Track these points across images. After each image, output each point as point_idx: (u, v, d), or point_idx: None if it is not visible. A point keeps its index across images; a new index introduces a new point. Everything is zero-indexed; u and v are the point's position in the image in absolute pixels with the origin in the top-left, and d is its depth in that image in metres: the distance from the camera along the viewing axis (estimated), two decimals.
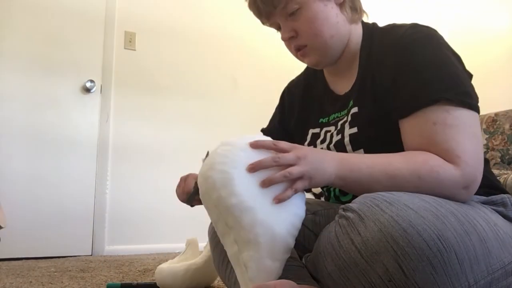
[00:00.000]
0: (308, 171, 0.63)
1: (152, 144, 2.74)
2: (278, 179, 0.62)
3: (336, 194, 0.90)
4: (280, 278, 0.64)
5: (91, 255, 2.47)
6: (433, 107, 0.68)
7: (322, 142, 0.87)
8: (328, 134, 0.87)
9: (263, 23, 0.87)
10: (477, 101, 0.71)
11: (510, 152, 2.11)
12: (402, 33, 0.76)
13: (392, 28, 0.81)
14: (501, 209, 0.72)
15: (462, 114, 0.68)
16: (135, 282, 1.44)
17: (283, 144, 0.66)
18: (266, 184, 0.62)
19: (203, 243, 1.52)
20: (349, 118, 0.82)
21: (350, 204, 0.60)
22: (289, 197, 0.63)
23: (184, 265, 1.30)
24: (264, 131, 1.09)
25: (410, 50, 0.73)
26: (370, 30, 0.86)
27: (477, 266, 0.57)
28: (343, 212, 0.60)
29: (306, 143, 0.92)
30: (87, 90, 2.59)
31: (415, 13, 3.35)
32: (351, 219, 0.57)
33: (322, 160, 0.66)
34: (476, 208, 0.66)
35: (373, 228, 0.54)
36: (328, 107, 0.91)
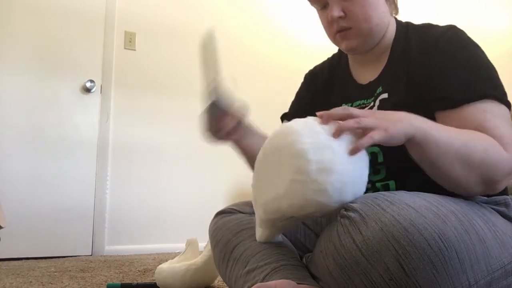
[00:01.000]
0: (380, 122, 0.59)
1: (152, 144, 2.74)
2: (350, 125, 0.58)
3: None
4: (280, 278, 0.65)
5: (91, 255, 2.47)
6: (483, 101, 0.72)
7: None
8: None
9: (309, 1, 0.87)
10: None
11: None
12: (444, 30, 0.79)
13: (431, 26, 0.84)
14: (503, 209, 0.72)
15: (505, 110, 0.73)
16: (135, 282, 1.44)
17: (355, 110, 0.62)
18: (337, 132, 0.59)
19: (203, 243, 1.52)
20: (378, 103, 0.83)
21: (351, 204, 0.60)
22: (364, 145, 0.58)
23: (184, 265, 1.29)
24: (286, 115, 1.08)
25: (459, 45, 0.77)
26: (404, 26, 0.89)
27: (477, 265, 0.57)
28: (344, 212, 0.60)
29: None
30: (87, 90, 2.59)
31: (414, 13, 3.36)
32: (352, 219, 0.57)
33: (393, 113, 0.63)
34: (475, 208, 0.66)
35: (374, 227, 0.55)
36: (350, 94, 0.92)
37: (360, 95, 0.90)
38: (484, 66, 0.76)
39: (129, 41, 2.78)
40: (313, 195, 0.58)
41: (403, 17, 0.93)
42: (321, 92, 1.00)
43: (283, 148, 0.62)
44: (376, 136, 0.58)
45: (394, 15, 0.89)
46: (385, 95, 0.83)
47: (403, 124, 0.61)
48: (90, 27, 2.67)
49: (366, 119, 0.59)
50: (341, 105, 0.92)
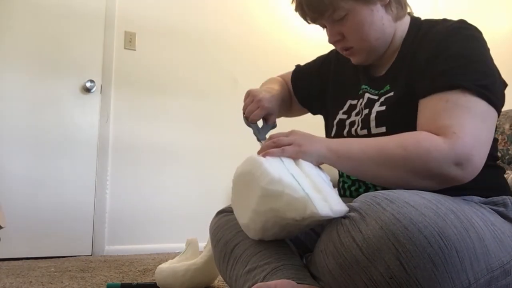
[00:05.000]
0: (296, 139, 0.73)
1: (152, 144, 2.74)
2: (268, 146, 0.73)
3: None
4: (280, 278, 0.65)
5: (91, 255, 2.46)
6: (451, 91, 0.70)
7: (357, 114, 0.89)
8: (361, 107, 0.89)
9: (308, 23, 0.90)
10: (500, 101, 0.73)
11: (510, 152, 2.11)
12: (449, 24, 0.78)
13: (443, 20, 0.83)
14: (501, 209, 0.72)
15: (477, 102, 0.69)
16: (135, 282, 1.44)
17: (275, 136, 0.76)
18: (262, 152, 0.72)
19: (203, 243, 1.52)
20: (382, 99, 0.84)
21: (351, 203, 0.61)
22: (275, 154, 0.71)
23: (184, 265, 1.29)
24: (297, 69, 1.14)
25: (451, 39, 0.76)
26: (418, 23, 0.87)
27: (477, 264, 0.57)
28: None
29: (342, 111, 0.94)
30: (87, 90, 2.59)
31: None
32: (352, 218, 0.58)
33: (312, 136, 0.75)
34: (473, 208, 0.66)
35: (374, 226, 0.55)
36: (360, 79, 0.94)
37: (367, 82, 0.91)
38: (472, 59, 0.73)
39: (129, 41, 2.78)
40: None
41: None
42: (333, 73, 1.02)
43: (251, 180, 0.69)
44: (290, 150, 0.71)
45: (403, 16, 0.87)
46: (391, 93, 0.83)
47: (317, 144, 0.73)
48: (90, 27, 2.67)
49: (284, 138, 0.73)
50: (358, 93, 0.92)
